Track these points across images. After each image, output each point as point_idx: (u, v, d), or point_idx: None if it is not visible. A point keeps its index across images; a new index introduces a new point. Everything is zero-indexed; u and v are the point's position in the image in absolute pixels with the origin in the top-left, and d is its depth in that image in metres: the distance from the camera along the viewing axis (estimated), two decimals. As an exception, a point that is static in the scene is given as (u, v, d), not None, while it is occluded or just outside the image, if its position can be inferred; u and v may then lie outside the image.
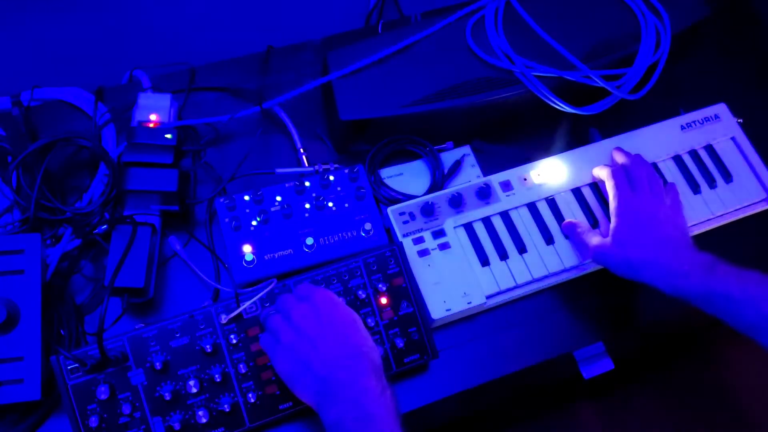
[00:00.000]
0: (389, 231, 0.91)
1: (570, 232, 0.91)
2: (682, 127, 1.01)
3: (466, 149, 1.01)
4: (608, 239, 0.86)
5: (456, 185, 0.95)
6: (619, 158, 0.94)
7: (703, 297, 0.77)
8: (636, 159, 0.93)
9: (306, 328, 0.72)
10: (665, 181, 0.97)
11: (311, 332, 0.72)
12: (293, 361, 0.72)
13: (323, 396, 0.70)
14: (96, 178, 0.89)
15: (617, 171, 0.91)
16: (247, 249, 0.86)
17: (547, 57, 0.93)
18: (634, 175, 0.90)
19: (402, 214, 0.91)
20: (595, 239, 0.87)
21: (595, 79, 0.93)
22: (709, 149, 1.00)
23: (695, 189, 0.97)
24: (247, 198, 0.89)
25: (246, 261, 0.85)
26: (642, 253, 0.82)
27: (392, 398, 0.70)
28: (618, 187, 0.89)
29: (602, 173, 0.93)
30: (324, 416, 0.69)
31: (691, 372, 1.41)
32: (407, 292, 0.84)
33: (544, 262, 0.91)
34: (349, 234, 0.89)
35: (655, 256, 0.81)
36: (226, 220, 0.88)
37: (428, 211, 0.90)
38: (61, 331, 0.82)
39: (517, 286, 0.90)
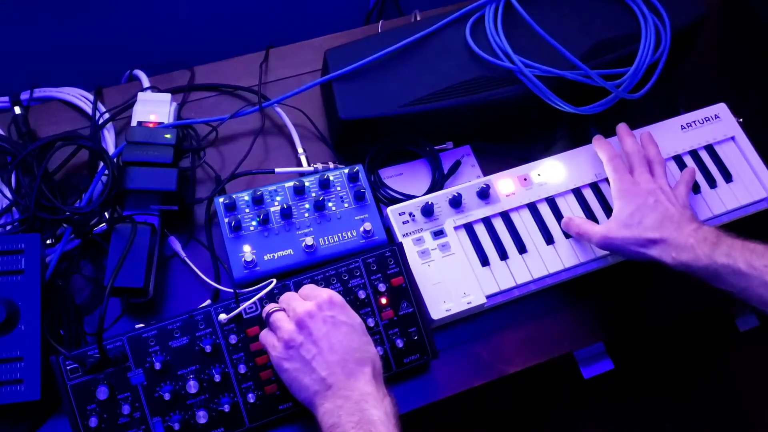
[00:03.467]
0: (389, 231, 0.91)
1: (569, 226, 0.91)
2: (682, 127, 1.01)
3: (466, 149, 1.01)
4: (612, 223, 0.86)
5: (456, 185, 0.95)
6: (622, 137, 0.94)
7: (709, 270, 0.78)
8: (636, 142, 0.93)
9: (310, 327, 0.72)
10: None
11: (315, 332, 0.71)
12: (293, 359, 0.71)
13: (323, 397, 0.69)
14: (95, 178, 0.88)
15: (615, 156, 0.92)
16: (246, 249, 0.86)
17: (547, 57, 0.93)
18: (633, 157, 0.91)
19: (402, 214, 0.91)
20: (596, 227, 0.88)
21: (595, 79, 0.93)
22: (709, 149, 1.00)
23: (696, 189, 0.97)
24: (246, 198, 0.89)
25: (246, 261, 0.85)
26: (646, 231, 0.83)
27: (392, 404, 0.69)
28: (616, 170, 0.90)
29: (603, 155, 0.93)
30: (321, 418, 0.68)
31: (691, 372, 1.41)
32: (407, 292, 0.84)
33: (544, 262, 0.91)
34: (349, 234, 0.89)
35: (660, 234, 0.82)
36: (226, 219, 0.88)
37: (428, 211, 0.90)
38: (61, 331, 0.82)
39: (517, 286, 0.90)
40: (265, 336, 0.75)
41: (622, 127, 0.96)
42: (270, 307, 0.77)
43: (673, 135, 1.00)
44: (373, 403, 0.67)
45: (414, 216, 0.91)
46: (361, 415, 0.66)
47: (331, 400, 0.68)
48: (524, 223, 0.93)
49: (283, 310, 0.76)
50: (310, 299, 0.75)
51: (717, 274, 0.78)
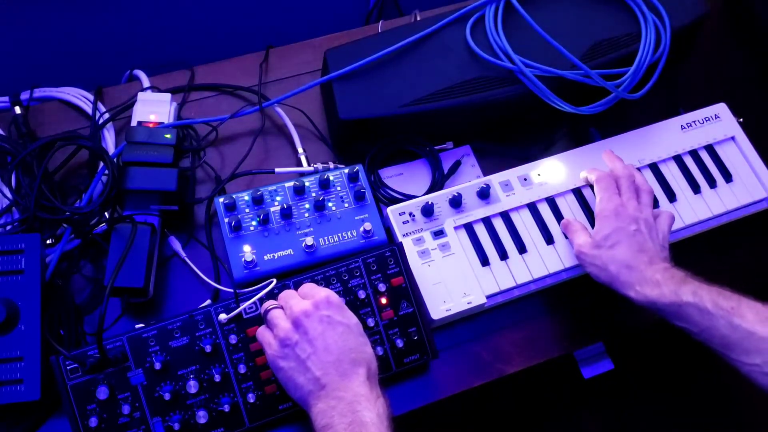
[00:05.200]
0: (389, 231, 0.91)
1: (566, 228, 0.91)
2: (682, 127, 1.01)
3: (466, 149, 1.01)
4: (589, 240, 0.86)
5: (456, 185, 0.95)
6: (610, 163, 0.93)
7: (673, 307, 0.77)
8: (626, 167, 0.92)
9: (306, 326, 0.72)
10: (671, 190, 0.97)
11: (311, 331, 0.71)
12: (289, 358, 0.71)
13: (316, 397, 0.69)
14: (95, 178, 0.88)
15: (607, 176, 0.90)
16: (246, 249, 0.86)
17: (547, 57, 0.93)
18: (622, 181, 0.89)
19: (402, 214, 0.91)
20: (580, 239, 0.87)
21: (595, 79, 0.93)
22: (710, 149, 1.00)
23: (696, 189, 0.97)
24: (246, 198, 0.89)
25: (246, 261, 0.85)
26: (616, 257, 0.82)
27: (386, 406, 0.69)
28: (606, 189, 0.88)
29: (591, 176, 0.92)
30: (314, 418, 0.68)
31: (691, 371, 1.41)
32: (407, 292, 0.84)
33: (544, 262, 0.91)
34: (349, 234, 0.89)
35: (628, 264, 0.81)
36: (226, 219, 0.88)
37: (428, 211, 0.90)
38: (61, 331, 0.82)
39: (517, 286, 0.90)
40: (262, 333, 0.75)
41: (608, 153, 0.94)
42: (268, 303, 0.77)
43: (673, 135, 1.00)
44: (366, 405, 0.67)
45: (414, 216, 0.91)
46: (353, 417, 0.66)
47: (325, 401, 0.68)
48: (524, 223, 0.93)
49: (282, 307, 0.76)
50: (308, 298, 0.75)
51: (681, 312, 0.77)
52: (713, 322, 0.75)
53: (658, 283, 0.79)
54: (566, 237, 0.92)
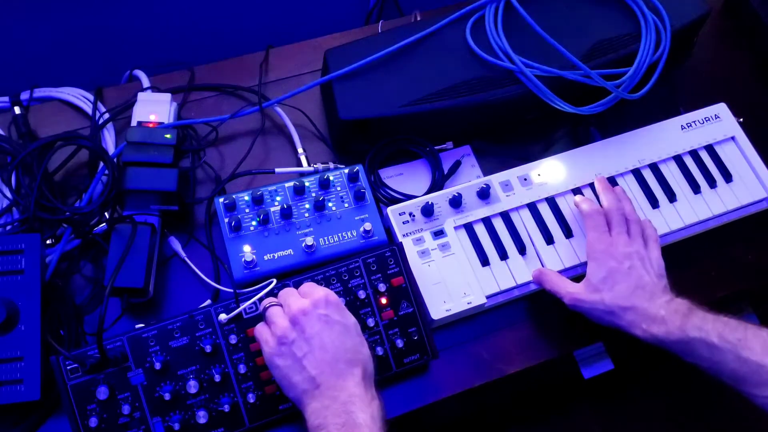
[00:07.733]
0: (389, 231, 0.91)
1: (541, 280, 0.87)
2: (682, 127, 1.01)
3: (466, 149, 1.01)
4: (582, 285, 0.83)
5: (456, 185, 0.95)
6: (602, 195, 0.91)
7: (681, 343, 0.77)
8: (617, 197, 0.89)
9: (304, 324, 0.72)
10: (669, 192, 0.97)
11: (308, 330, 0.71)
12: (285, 356, 0.71)
13: (310, 397, 0.69)
14: (95, 178, 0.89)
15: (596, 212, 0.87)
16: (246, 249, 0.86)
17: (547, 57, 0.93)
18: (612, 215, 0.87)
19: (402, 214, 0.91)
20: (568, 286, 0.84)
21: (595, 79, 0.93)
22: (710, 149, 1.00)
23: (696, 189, 0.97)
24: (246, 198, 0.89)
25: (246, 261, 0.85)
26: (617, 299, 0.80)
27: (380, 408, 0.69)
28: (596, 228, 0.86)
29: (583, 206, 0.89)
30: (308, 417, 0.68)
31: (692, 371, 1.41)
32: (407, 292, 0.84)
33: (544, 262, 0.91)
34: (349, 234, 0.89)
35: (630, 303, 0.79)
36: (226, 219, 0.88)
37: (428, 211, 0.90)
38: (61, 332, 0.82)
39: (517, 286, 0.90)
40: (260, 330, 0.75)
41: (601, 182, 0.92)
42: (268, 301, 0.77)
43: (673, 135, 1.00)
44: (360, 406, 0.67)
45: (414, 216, 0.91)
46: (347, 417, 0.66)
47: (319, 400, 0.68)
48: (524, 223, 0.93)
49: (281, 305, 0.76)
50: (307, 297, 0.75)
51: (689, 348, 0.76)
52: (721, 357, 0.75)
53: (664, 320, 0.78)
54: (567, 236, 0.92)
